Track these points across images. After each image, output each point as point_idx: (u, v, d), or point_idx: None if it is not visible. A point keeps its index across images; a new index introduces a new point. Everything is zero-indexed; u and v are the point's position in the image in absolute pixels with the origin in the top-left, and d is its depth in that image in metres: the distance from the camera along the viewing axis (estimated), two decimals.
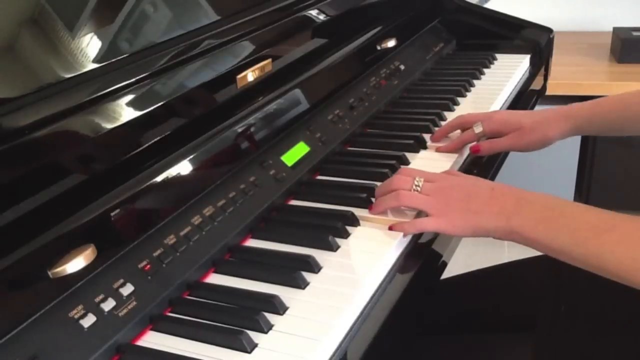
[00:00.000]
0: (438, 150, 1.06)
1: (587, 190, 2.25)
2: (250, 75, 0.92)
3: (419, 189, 0.83)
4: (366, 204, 0.89)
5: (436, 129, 1.12)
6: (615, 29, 2.24)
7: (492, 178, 1.10)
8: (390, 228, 0.82)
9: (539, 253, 1.00)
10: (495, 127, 1.05)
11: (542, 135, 1.03)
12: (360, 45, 1.24)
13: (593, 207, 0.76)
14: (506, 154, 1.16)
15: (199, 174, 0.81)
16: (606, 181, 2.21)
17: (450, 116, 1.19)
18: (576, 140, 2.18)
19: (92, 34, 0.75)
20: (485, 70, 1.42)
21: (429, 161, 1.02)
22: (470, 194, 0.81)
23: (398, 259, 0.80)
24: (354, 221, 0.85)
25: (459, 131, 1.08)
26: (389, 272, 0.77)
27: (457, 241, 0.96)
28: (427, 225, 0.81)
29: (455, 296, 1.08)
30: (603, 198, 2.25)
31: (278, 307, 0.68)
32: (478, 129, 1.05)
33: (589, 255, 0.72)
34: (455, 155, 1.03)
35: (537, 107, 1.45)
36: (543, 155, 2.18)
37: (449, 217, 0.80)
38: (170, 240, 0.73)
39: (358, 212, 0.86)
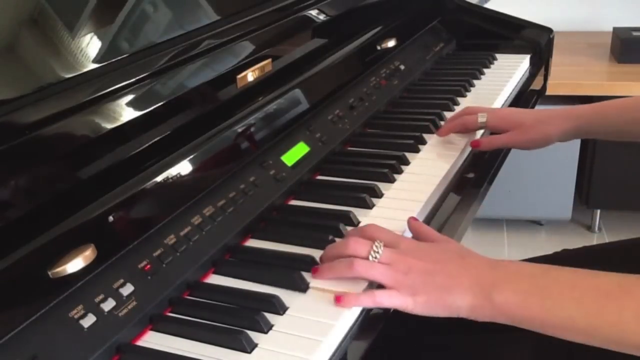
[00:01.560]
0: (439, 134, 1.07)
1: (587, 190, 2.25)
2: (250, 75, 0.92)
3: (377, 255, 0.71)
4: (366, 204, 0.89)
5: (438, 128, 1.12)
6: (615, 29, 2.24)
7: (492, 178, 1.10)
8: (338, 299, 0.68)
9: (539, 254, 1.00)
10: (498, 122, 1.05)
11: (542, 134, 1.02)
12: (360, 45, 1.24)
13: (592, 271, 0.67)
14: (506, 153, 1.16)
15: (199, 174, 0.81)
16: (606, 181, 2.21)
17: (450, 116, 1.19)
18: (576, 141, 2.18)
19: (92, 34, 0.75)
20: (485, 70, 1.42)
21: (429, 161, 1.02)
22: (437, 264, 0.70)
23: None
24: (355, 221, 0.85)
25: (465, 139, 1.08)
26: None
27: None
28: (387, 300, 0.69)
29: None
30: (603, 198, 2.25)
31: (278, 307, 0.68)
32: (482, 119, 1.05)
33: (603, 327, 0.63)
34: (455, 155, 1.03)
35: (537, 107, 1.45)
36: (543, 156, 2.19)
37: (411, 294, 0.68)
38: (170, 240, 0.73)
39: (358, 212, 0.87)
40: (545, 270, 0.68)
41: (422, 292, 0.68)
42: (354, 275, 0.71)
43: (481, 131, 1.10)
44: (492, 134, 1.09)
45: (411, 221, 0.81)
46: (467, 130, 1.07)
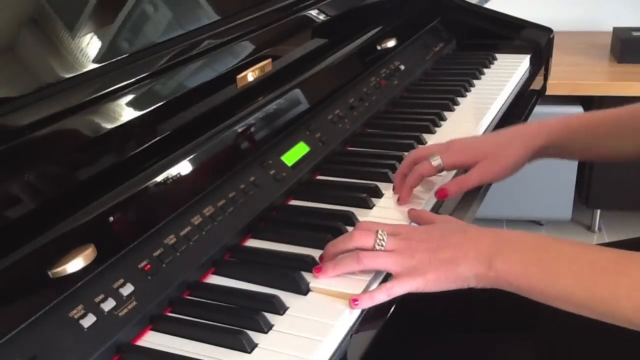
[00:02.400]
0: (400, 203, 0.89)
1: (587, 190, 2.25)
2: (250, 75, 0.92)
3: (383, 243, 0.72)
4: (366, 204, 0.89)
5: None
6: (615, 29, 2.24)
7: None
8: (354, 302, 0.68)
9: None
10: (457, 158, 0.91)
11: (513, 157, 0.90)
12: (360, 45, 1.24)
13: (592, 245, 0.69)
14: None
15: (199, 174, 0.81)
16: (606, 181, 2.21)
17: (450, 116, 1.19)
18: None
19: (92, 34, 0.75)
20: (485, 70, 1.42)
21: None
22: (441, 241, 0.71)
23: None
24: (354, 221, 0.85)
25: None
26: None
27: None
28: (399, 288, 0.70)
29: (455, 296, 1.08)
30: (603, 198, 2.25)
31: (278, 307, 0.68)
32: (436, 162, 0.90)
33: (597, 301, 0.64)
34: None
35: (537, 107, 1.45)
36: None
37: (421, 274, 0.69)
38: (170, 240, 0.73)
39: (358, 212, 0.87)
40: (546, 242, 0.70)
41: (431, 270, 0.69)
42: (361, 269, 0.72)
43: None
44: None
45: (410, 212, 0.85)
46: (424, 178, 0.92)
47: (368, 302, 0.69)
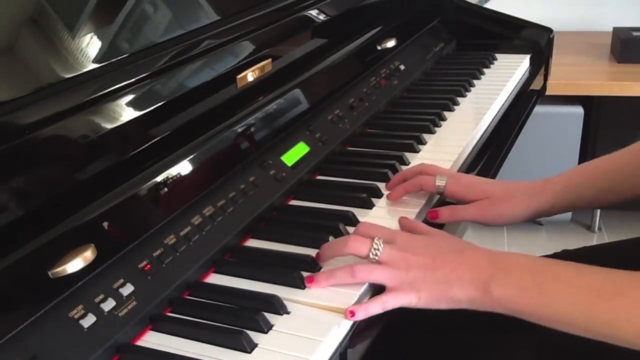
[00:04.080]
0: (390, 198, 0.90)
1: None
2: (250, 75, 0.92)
3: (378, 253, 0.71)
4: (366, 204, 0.89)
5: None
6: (615, 29, 2.24)
7: (493, 177, 1.10)
8: (351, 313, 0.68)
9: (539, 254, 1.00)
10: (459, 191, 0.90)
11: (514, 208, 0.88)
12: (360, 45, 1.24)
13: (589, 267, 0.67)
14: (506, 152, 1.16)
15: (199, 174, 0.81)
16: None
17: (450, 116, 1.19)
18: (576, 141, 2.19)
19: (92, 34, 0.75)
20: (485, 70, 1.42)
21: (429, 161, 1.01)
22: (437, 258, 0.71)
23: None
24: (354, 222, 0.84)
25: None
26: None
27: None
28: (393, 302, 0.70)
29: None
30: (599, 208, 2.24)
31: (278, 307, 0.68)
32: (441, 182, 0.90)
33: (597, 324, 0.64)
34: (455, 155, 1.03)
35: (537, 107, 1.45)
36: (543, 156, 2.19)
37: (414, 290, 0.70)
38: (170, 240, 0.73)
39: (358, 212, 0.87)
40: (543, 265, 0.69)
41: (425, 288, 0.70)
42: (355, 282, 0.71)
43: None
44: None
45: (402, 220, 0.83)
46: (422, 190, 0.91)
47: (364, 314, 0.69)
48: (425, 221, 0.88)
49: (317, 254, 0.76)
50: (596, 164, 0.92)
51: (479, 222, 0.90)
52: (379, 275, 0.71)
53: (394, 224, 0.83)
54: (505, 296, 0.67)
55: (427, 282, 0.70)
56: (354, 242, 0.73)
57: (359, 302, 0.70)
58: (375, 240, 0.72)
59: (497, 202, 0.88)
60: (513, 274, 0.68)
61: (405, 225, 0.82)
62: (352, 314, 0.68)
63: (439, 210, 0.89)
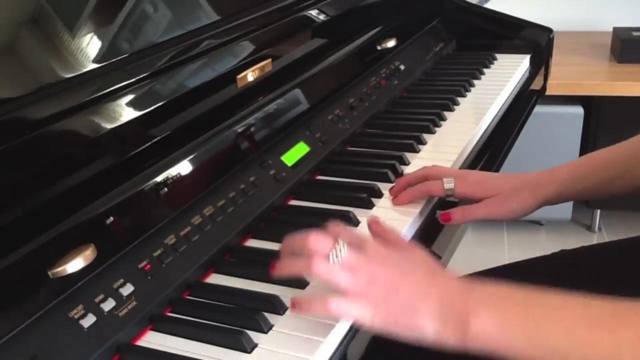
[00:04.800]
0: (395, 202, 0.88)
1: None
2: (250, 75, 0.92)
3: (340, 255, 0.64)
4: (366, 204, 0.89)
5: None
6: (615, 29, 2.24)
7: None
8: (292, 305, 0.64)
9: (539, 254, 1.00)
10: (468, 190, 0.89)
11: (523, 203, 0.88)
12: (360, 45, 1.24)
13: (581, 296, 0.60)
14: (507, 152, 1.16)
15: (199, 174, 0.81)
16: None
17: (450, 116, 1.19)
18: (576, 141, 2.19)
19: (92, 34, 0.75)
20: (485, 70, 1.42)
21: (429, 161, 1.02)
22: (405, 277, 0.63)
23: None
24: (355, 221, 0.85)
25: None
26: None
27: (457, 242, 0.96)
28: (343, 309, 0.63)
29: None
30: (603, 198, 2.24)
31: (278, 307, 0.68)
32: (449, 185, 0.88)
33: (595, 359, 0.57)
34: (455, 155, 1.03)
35: (537, 107, 1.45)
36: (543, 156, 2.18)
37: (371, 306, 0.62)
38: (170, 240, 0.73)
39: (358, 212, 0.87)
40: (527, 296, 0.61)
41: (383, 308, 0.62)
42: (310, 276, 0.66)
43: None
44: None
45: (372, 224, 0.74)
46: (430, 196, 0.90)
47: (304, 309, 0.64)
48: (435, 224, 0.88)
49: (280, 247, 0.70)
50: (602, 154, 0.92)
51: (491, 219, 0.90)
52: (336, 277, 0.63)
53: (393, 225, 0.82)
54: (483, 332, 0.59)
55: (388, 302, 0.62)
56: (316, 237, 0.65)
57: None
58: (340, 242, 0.65)
59: (506, 198, 0.88)
60: (493, 306, 0.60)
61: (375, 230, 0.74)
62: (293, 306, 0.64)
63: (451, 212, 0.88)
